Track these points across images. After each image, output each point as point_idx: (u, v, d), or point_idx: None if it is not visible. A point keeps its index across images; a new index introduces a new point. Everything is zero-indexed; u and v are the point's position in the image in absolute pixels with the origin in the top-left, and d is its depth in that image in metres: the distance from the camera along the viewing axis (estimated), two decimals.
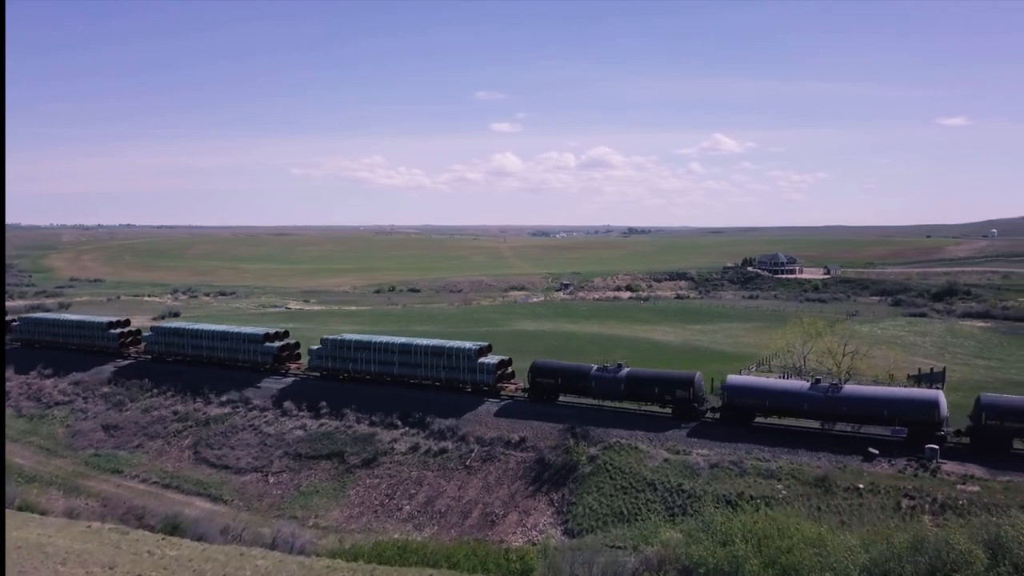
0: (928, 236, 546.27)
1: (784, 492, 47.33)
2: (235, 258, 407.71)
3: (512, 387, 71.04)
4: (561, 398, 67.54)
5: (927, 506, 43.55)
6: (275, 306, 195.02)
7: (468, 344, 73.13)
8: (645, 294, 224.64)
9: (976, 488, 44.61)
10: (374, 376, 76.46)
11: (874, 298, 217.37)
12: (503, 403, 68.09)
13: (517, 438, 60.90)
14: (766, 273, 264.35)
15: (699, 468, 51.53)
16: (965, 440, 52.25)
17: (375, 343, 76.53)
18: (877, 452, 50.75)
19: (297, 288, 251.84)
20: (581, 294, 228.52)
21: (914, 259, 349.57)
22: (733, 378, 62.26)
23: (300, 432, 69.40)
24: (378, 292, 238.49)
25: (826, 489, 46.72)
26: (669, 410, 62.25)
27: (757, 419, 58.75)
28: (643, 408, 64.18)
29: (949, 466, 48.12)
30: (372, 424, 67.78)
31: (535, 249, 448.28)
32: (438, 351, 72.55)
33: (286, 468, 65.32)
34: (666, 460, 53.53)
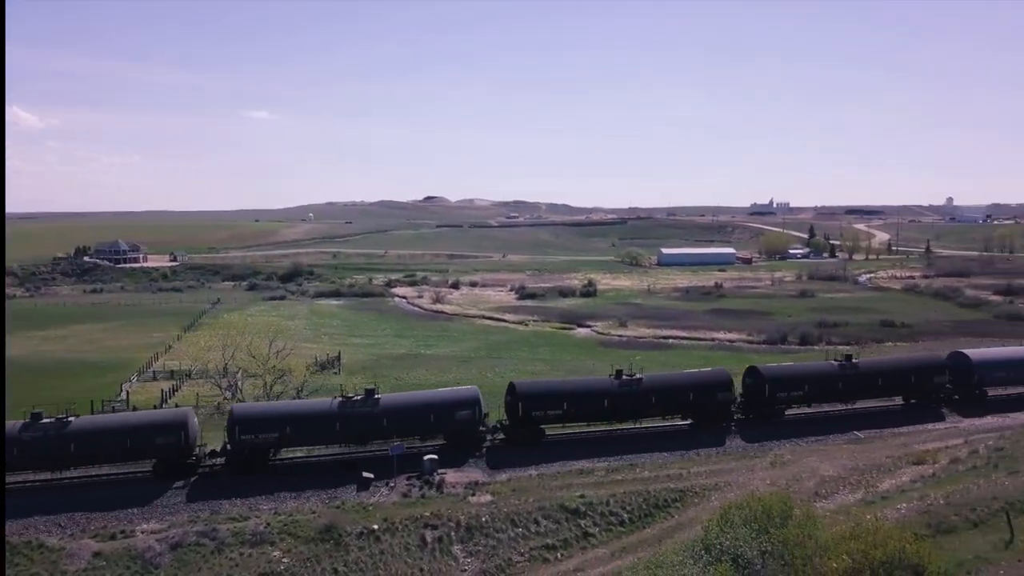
0: (257, 220, 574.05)
1: (286, 561, 35.54)
2: None
3: None
4: None
5: (454, 534, 37.52)
6: None
7: None
8: None
9: (489, 497, 40.55)
10: None
11: (228, 283, 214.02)
12: None
13: None
14: (107, 263, 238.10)
15: (156, 556, 35.52)
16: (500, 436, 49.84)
17: None
18: (372, 476, 42.84)
19: None
20: None
21: (253, 243, 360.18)
22: (241, 407, 47.19)
23: None
24: None
25: (336, 542, 36.67)
26: None
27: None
28: (83, 475, 44.27)
29: (451, 476, 43.23)
30: None
31: None
32: None
33: None
34: (97, 554, 35.76)
